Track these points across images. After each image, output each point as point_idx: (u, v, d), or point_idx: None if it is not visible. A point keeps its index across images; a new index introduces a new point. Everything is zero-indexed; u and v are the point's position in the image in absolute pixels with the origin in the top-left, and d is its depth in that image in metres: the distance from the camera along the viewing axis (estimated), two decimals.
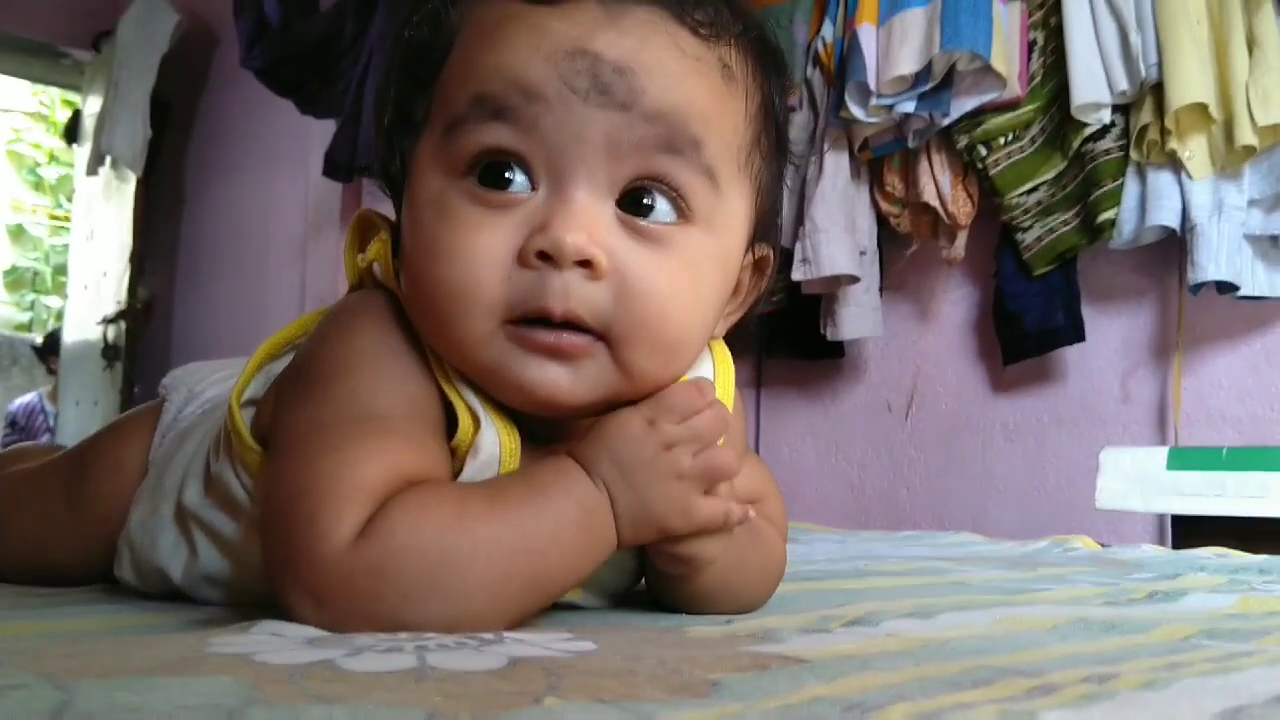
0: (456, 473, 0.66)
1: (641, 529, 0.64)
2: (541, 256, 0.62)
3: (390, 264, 0.71)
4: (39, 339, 7.06)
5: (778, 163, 0.75)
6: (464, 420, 0.66)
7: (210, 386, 0.94)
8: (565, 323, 0.63)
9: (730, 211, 0.69)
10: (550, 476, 0.63)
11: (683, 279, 0.65)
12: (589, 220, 0.63)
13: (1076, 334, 2.30)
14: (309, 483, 0.59)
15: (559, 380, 0.64)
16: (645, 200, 0.65)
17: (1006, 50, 2.21)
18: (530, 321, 0.63)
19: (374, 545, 0.56)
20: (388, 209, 0.75)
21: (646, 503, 0.64)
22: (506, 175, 0.64)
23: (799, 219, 2.48)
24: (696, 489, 0.65)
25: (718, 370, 0.79)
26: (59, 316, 6.93)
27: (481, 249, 0.63)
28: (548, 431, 0.69)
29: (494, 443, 0.66)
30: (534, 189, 0.64)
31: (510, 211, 0.63)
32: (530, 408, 0.66)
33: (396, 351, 0.67)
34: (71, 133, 5.51)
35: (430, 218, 0.65)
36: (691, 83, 0.65)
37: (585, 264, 0.62)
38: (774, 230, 0.78)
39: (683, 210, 0.66)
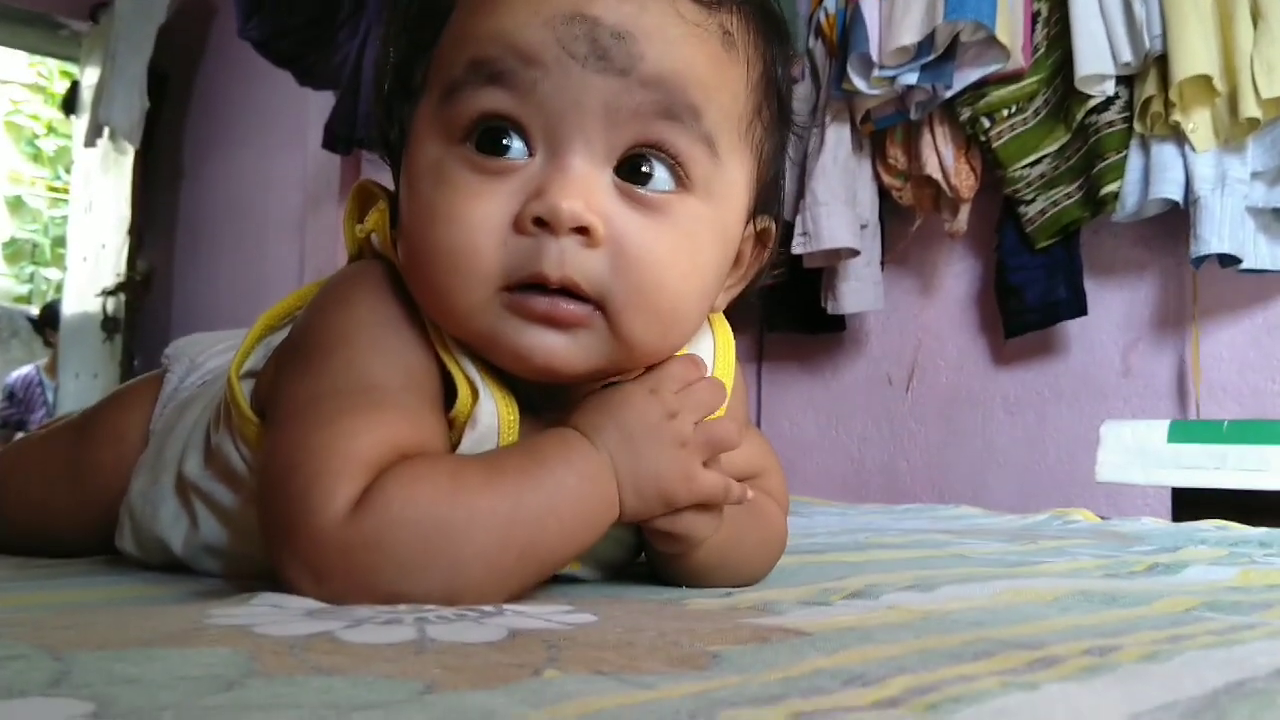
0: (455, 444, 0.66)
1: (645, 498, 0.64)
2: (538, 223, 0.61)
3: (388, 233, 0.70)
4: (36, 311, 7.05)
5: (780, 133, 0.74)
6: (462, 391, 0.65)
7: (212, 357, 0.95)
8: (562, 289, 0.62)
9: (730, 181, 0.68)
10: (550, 447, 0.62)
11: (681, 248, 0.65)
12: (586, 187, 0.62)
13: (1079, 308, 2.29)
14: (303, 456, 0.59)
15: (555, 348, 0.63)
16: (643, 168, 0.64)
17: (1010, 21, 2.19)
18: (526, 288, 0.62)
19: (369, 518, 0.56)
20: (387, 181, 0.75)
21: (651, 471, 0.64)
22: (504, 141, 0.63)
23: (800, 192, 2.47)
24: (698, 458, 0.65)
25: (718, 344, 0.79)
26: (58, 289, 6.93)
27: (479, 216, 0.62)
28: (547, 402, 0.69)
29: (492, 414, 0.66)
30: (531, 155, 0.63)
31: (507, 178, 0.63)
32: (528, 375, 0.66)
33: (394, 322, 0.66)
34: (69, 104, 5.50)
35: (427, 185, 0.65)
36: (691, 49, 0.64)
37: (582, 231, 0.61)
38: (776, 202, 0.77)
39: (681, 179, 0.65)
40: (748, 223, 0.74)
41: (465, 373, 0.66)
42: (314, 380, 0.64)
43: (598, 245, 0.62)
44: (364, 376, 0.63)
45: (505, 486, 0.59)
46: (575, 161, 0.63)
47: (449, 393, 0.66)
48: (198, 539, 0.78)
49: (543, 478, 0.60)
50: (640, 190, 0.64)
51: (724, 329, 0.80)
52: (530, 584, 0.61)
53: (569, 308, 0.63)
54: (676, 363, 0.68)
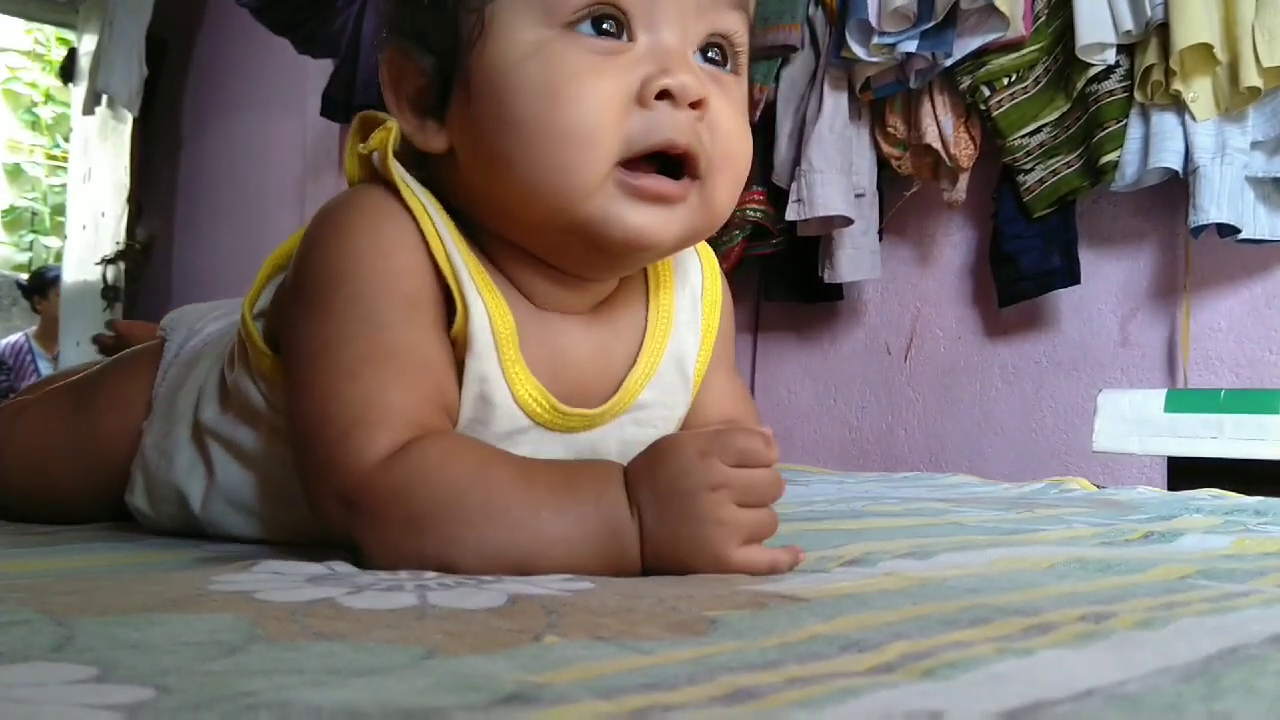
0: (461, 365, 0.68)
1: (663, 561, 0.60)
2: (662, 96, 0.66)
3: (391, 151, 0.71)
4: (24, 277, 6.96)
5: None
6: (461, 307, 0.68)
7: (210, 323, 0.96)
8: (681, 157, 0.67)
9: (744, 63, 0.75)
10: (587, 477, 0.62)
11: (742, 121, 0.72)
12: (692, 66, 0.68)
13: (1072, 277, 2.29)
14: (339, 406, 0.63)
15: (656, 226, 0.68)
16: (712, 55, 0.71)
17: None
18: (634, 164, 0.66)
19: (400, 468, 0.60)
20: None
21: (674, 538, 0.60)
22: (606, 27, 0.68)
23: (796, 159, 2.46)
24: (735, 537, 0.60)
25: (705, 270, 0.83)
26: (58, 257, 6.88)
27: (601, 91, 0.66)
28: (562, 299, 0.74)
29: (485, 329, 0.68)
30: (631, 40, 0.68)
31: (620, 58, 0.67)
32: (624, 252, 0.69)
33: (389, 244, 0.68)
34: (67, 72, 5.46)
35: (536, 66, 0.67)
36: None
37: (696, 105, 0.67)
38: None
39: (735, 64, 0.73)
40: None
41: (459, 283, 0.68)
42: (321, 319, 0.67)
43: (704, 118, 0.68)
44: (370, 313, 0.66)
45: (530, 495, 0.60)
46: (679, 45, 0.68)
47: (453, 305, 0.69)
48: (215, 487, 0.80)
49: (568, 506, 0.60)
50: (715, 70, 0.71)
51: (708, 253, 0.84)
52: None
53: (675, 187, 0.67)
54: (744, 434, 0.61)
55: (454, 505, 0.59)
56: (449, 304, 0.69)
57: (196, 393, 0.83)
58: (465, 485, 0.59)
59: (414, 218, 0.69)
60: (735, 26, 0.71)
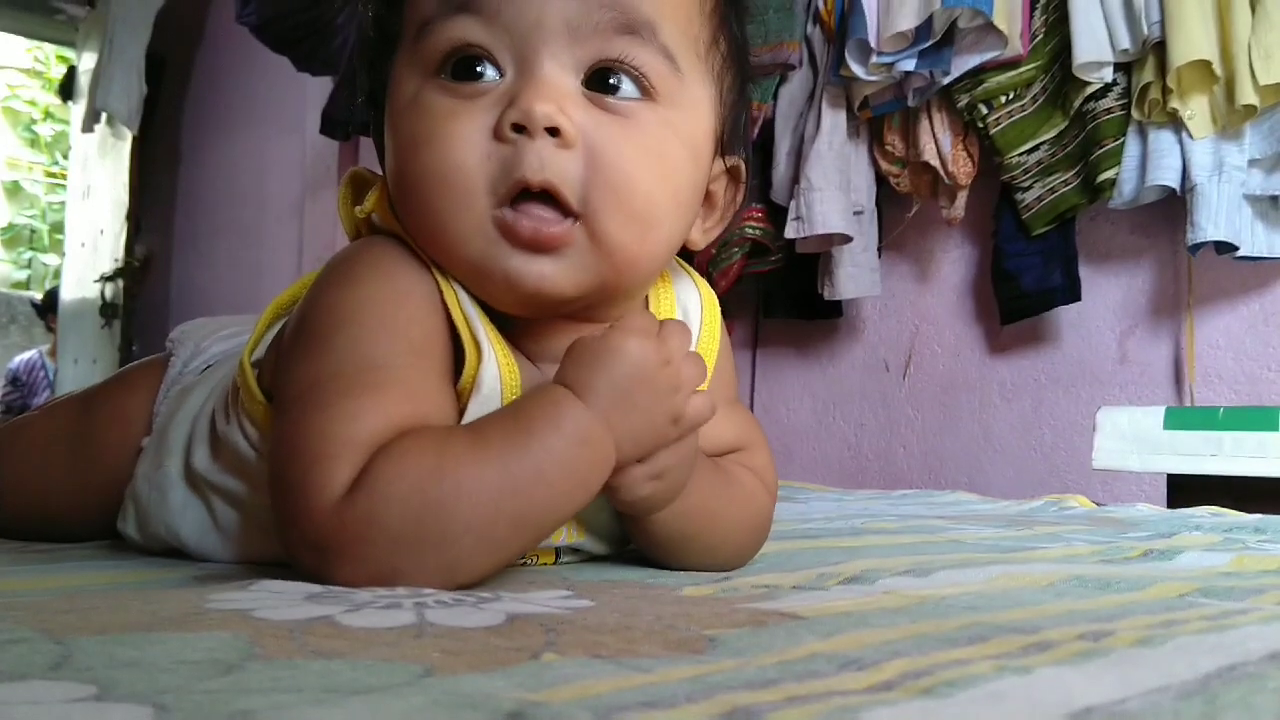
0: (462, 412, 0.67)
1: (643, 446, 0.65)
2: (516, 129, 0.64)
3: (388, 209, 0.71)
4: (39, 296, 7.05)
5: (739, 69, 0.76)
6: (470, 354, 0.67)
7: (216, 342, 0.95)
8: (543, 195, 0.65)
9: (693, 97, 0.71)
10: (538, 410, 0.62)
11: (649, 150, 0.68)
12: (556, 93, 0.65)
13: (1073, 294, 2.29)
14: (304, 442, 0.60)
15: (544, 271, 0.66)
16: (610, 80, 0.67)
17: (1008, 7, 2.19)
18: (513, 203, 0.65)
19: (362, 496, 0.57)
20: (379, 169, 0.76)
21: (649, 419, 0.64)
22: (477, 69, 0.67)
23: (795, 177, 2.46)
24: (686, 396, 0.65)
25: (704, 300, 0.82)
26: (57, 274, 6.91)
27: (459, 133, 0.65)
28: (546, 354, 0.71)
29: (495, 376, 0.67)
30: (502, 77, 0.67)
31: (482, 98, 0.66)
32: (520, 302, 0.68)
33: (401, 294, 0.67)
34: (67, 89, 5.49)
35: (408, 118, 0.68)
36: None
37: (554, 132, 0.64)
38: (743, 143, 0.80)
39: (645, 88, 0.68)
40: (716, 154, 0.76)
41: (473, 332, 0.67)
42: (317, 363, 0.65)
43: (570, 146, 0.65)
44: (368, 355, 0.64)
45: (491, 456, 0.59)
46: (544, 74, 0.66)
47: (461, 360, 0.67)
48: (211, 525, 0.78)
49: (530, 444, 0.60)
50: (609, 99, 0.67)
51: (706, 288, 0.83)
52: (526, 549, 0.63)
53: (553, 230, 0.65)
54: (641, 314, 0.67)
55: (433, 507, 0.57)
56: (457, 361, 0.68)
57: (188, 428, 0.82)
58: (431, 482, 0.57)
59: (429, 269, 0.69)
60: (629, 51, 0.67)
